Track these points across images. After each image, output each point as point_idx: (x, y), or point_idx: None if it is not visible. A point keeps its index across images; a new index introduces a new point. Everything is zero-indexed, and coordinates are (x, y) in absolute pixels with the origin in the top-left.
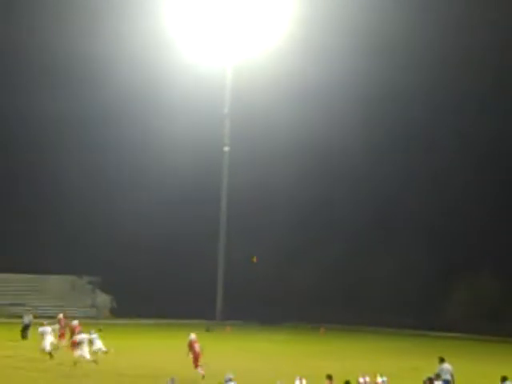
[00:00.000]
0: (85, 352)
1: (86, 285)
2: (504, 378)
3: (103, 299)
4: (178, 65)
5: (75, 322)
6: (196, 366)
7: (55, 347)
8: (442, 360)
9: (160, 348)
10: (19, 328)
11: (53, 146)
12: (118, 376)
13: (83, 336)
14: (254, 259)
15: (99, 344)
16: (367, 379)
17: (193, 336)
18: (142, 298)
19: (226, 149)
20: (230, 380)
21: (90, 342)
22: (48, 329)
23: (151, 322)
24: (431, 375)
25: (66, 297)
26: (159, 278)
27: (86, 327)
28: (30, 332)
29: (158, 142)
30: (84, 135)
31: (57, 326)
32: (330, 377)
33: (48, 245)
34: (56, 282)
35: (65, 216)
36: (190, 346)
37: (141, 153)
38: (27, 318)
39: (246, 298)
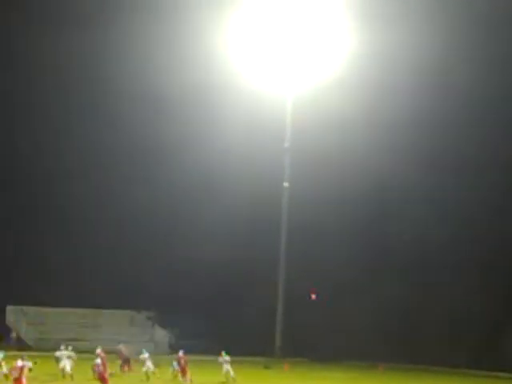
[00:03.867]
0: None
1: (144, 320)
2: None
3: (161, 334)
4: (237, 97)
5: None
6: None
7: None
8: None
9: None
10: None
11: (113, 179)
12: None
13: None
14: (313, 296)
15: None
16: None
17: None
18: (200, 333)
19: (286, 184)
20: None
21: None
22: (64, 353)
23: (208, 358)
24: None
25: (123, 332)
26: (217, 315)
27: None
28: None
29: (215, 176)
30: (140, 167)
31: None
32: None
33: (106, 279)
34: (115, 316)
35: (124, 252)
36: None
37: (195, 188)
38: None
39: (305, 334)
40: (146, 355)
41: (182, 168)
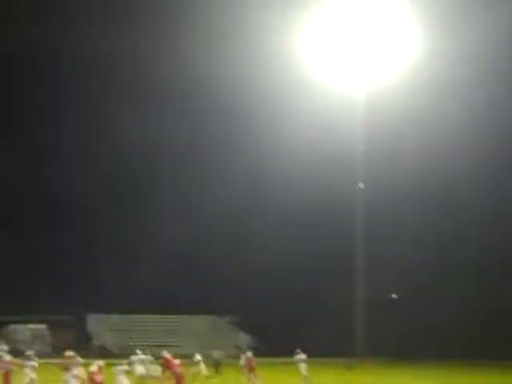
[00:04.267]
0: None
1: (226, 324)
2: None
3: (243, 339)
4: (311, 94)
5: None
6: None
7: None
8: None
9: None
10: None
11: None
12: None
13: None
14: (394, 295)
15: None
16: None
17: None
18: (282, 336)
19: (361, 185)
20: None
21: None
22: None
23: (289, 360)
24: None
25: (205, 337)
26: (298, 316)
27: (225, 367)
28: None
29: (292, 176)
30: (211, 167)
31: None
32: None
33: (189, 285)
34: (196, 322)
35: (206, 258)
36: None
37: (271, 189)
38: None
39: (386, 334)
40: (198, 357)
41: (259, 168)
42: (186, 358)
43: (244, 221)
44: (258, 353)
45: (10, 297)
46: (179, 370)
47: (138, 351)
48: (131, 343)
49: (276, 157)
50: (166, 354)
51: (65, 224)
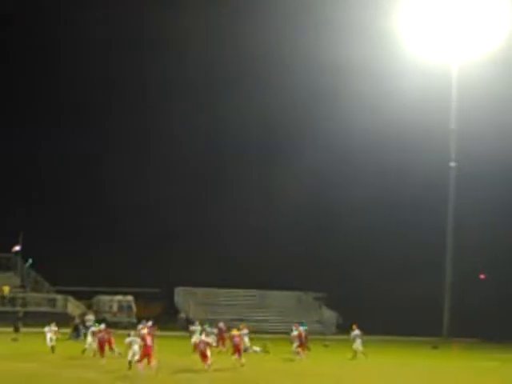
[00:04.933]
0: None
1: (311, 301)
2: None
3: (329, 315)
4: (404, 69)
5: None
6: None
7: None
8: None
9: (387, 366)
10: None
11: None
12: None
13: None
14: (481, 276)
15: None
16: None
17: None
18: (368, 313)
19: (453, 164)
20: None
21: None
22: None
23: (376, 338)
24: None
25: (291, 313)
26: (384, 294)
27: (313, 343)
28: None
29: (383, 153)
30: (308, 148)
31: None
32: None
33: (276, 260)
34: (282, 297)
35: (293, 233)
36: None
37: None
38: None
39: (474, 314)
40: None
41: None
42: (271, 332)
43: (333, 197)
44: (344, 330)
45: (99, 268)
46: (236, 340)
47: (196, 322)
48: (217, 317)
49: (367, 132)
50: (222, 325)
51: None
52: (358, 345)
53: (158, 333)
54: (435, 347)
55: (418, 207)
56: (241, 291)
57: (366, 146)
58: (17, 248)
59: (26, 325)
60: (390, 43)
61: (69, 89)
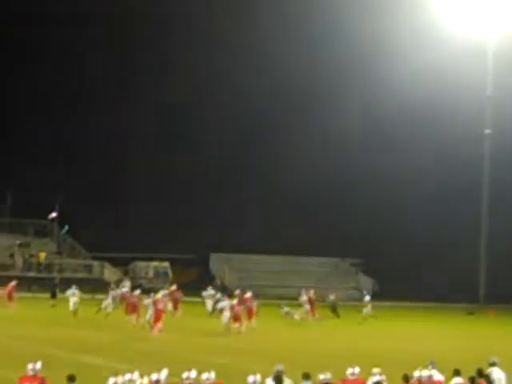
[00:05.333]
0: None
1: (348, 267)
2: None
3: (366, 281)
4: (439, 42)
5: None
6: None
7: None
8: None
9: (420, 332)
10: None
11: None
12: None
13: None
14: None
15: None
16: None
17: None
18: (403, 281)
19: (488, 131)
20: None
21: None
22: (226, 303)
23: (412, 304)
24: None
25: (328, 279)
26: (418, 262)
27: (349, 309)
28: None
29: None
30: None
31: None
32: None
33: (312, 227)
34: (318, 264)
35: (328, 200)
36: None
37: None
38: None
39: (510, 282)
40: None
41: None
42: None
43: (373, 165)
44: (378, 297)
45: (135, 234)
46: (250, 304)
47: (209, 288)
48: (251, 283)
49: (404, 104)
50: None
51: None
52: (368, 310)
53: (191, 298)
54: (471, 313)
55: (453, 177)
56: (277, 257)
57: (400, 119)
58: (53, 214)
59: (62, 291)
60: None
61: None
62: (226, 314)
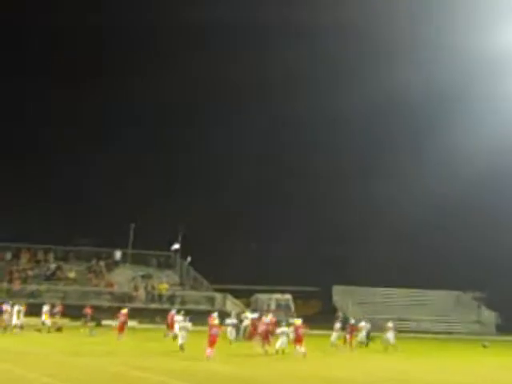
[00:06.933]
0: None
1: (470, 300)
2: None
3: (488, 315)
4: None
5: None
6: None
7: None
8: None
9: None
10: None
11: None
12: None
13: None
14: None
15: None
16: None
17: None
18: None
19: None
20: None
21: None
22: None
23: None
24: None
25: (449, 312)
26: None
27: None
28: None
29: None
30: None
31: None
32: None
33: (434, 258)
34: (440, 296)
35: (454, 233)
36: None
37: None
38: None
39: None
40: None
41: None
42: (429, 332)
43: (488, 192)
44: (501, 329)
45: (257, 266)
46: (267, 328)
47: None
48: (375, 315)
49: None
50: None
51: None
52: (390, 337)
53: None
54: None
55: None
56: (398, 290)
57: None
58: (176, 246)
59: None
60: None
61: None
62: None
